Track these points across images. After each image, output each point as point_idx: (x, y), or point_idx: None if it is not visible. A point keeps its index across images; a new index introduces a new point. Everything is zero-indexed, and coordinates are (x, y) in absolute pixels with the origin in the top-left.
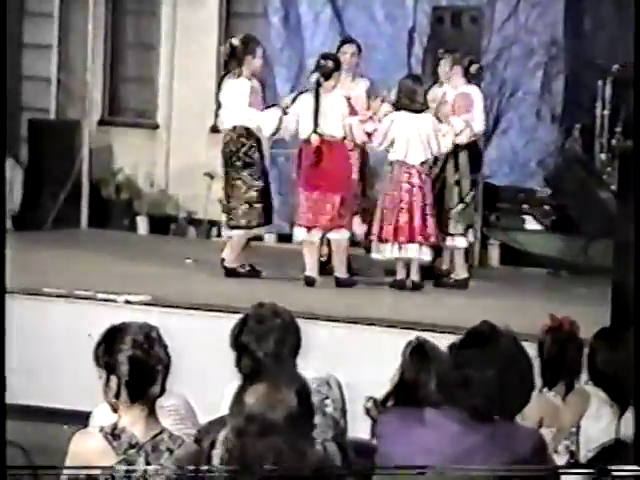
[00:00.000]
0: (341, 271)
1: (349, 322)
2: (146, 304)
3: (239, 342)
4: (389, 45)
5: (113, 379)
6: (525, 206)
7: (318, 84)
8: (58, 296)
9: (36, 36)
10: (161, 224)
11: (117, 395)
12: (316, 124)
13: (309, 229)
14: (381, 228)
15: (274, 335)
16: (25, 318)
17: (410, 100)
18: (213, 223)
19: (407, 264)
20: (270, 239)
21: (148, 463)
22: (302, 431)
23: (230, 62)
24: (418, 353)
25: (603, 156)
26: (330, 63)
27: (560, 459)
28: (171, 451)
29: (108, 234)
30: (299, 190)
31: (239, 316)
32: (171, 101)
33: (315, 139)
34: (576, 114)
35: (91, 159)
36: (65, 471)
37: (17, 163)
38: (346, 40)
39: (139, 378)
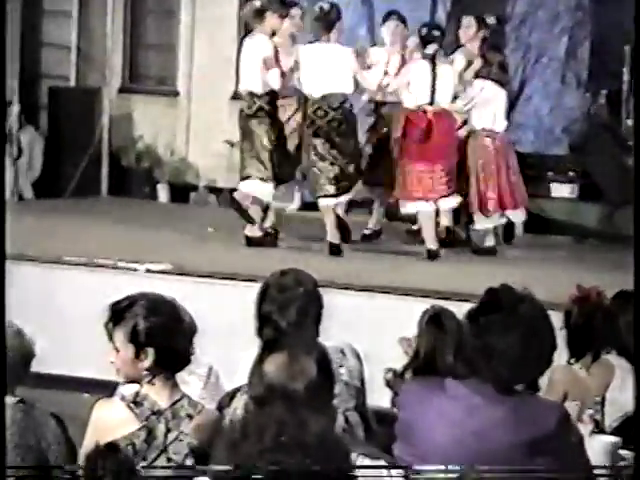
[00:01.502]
0: (433, 242)
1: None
2: (167, 272)
3: (261, 311)
4: (412, 10)
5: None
6: (550, 173)
7: (434, 55)
8: (79, 264)
9: (56, 3)
10: (181, 192)
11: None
12: (433, 96)
13: (423, 200)
14: (482, 196)
15: (296, 304)
16: (46, 286)
17: (501, 70)
18: (234, 191)
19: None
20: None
21: (168, 429)
22: (322, 400)
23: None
24: (434, 322)
25: (630, 122)
26: (439, 33)
27: (584, 428)
28: (191, 417)
29: (128, 202)
30: (404, 162)
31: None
32: (191, 68)
33: (431, 110)
34: (602, 80)
35: (111, 127)
36: (87, 437)
37: (37, 131)
38: (388, 13)
39: (162, 347)
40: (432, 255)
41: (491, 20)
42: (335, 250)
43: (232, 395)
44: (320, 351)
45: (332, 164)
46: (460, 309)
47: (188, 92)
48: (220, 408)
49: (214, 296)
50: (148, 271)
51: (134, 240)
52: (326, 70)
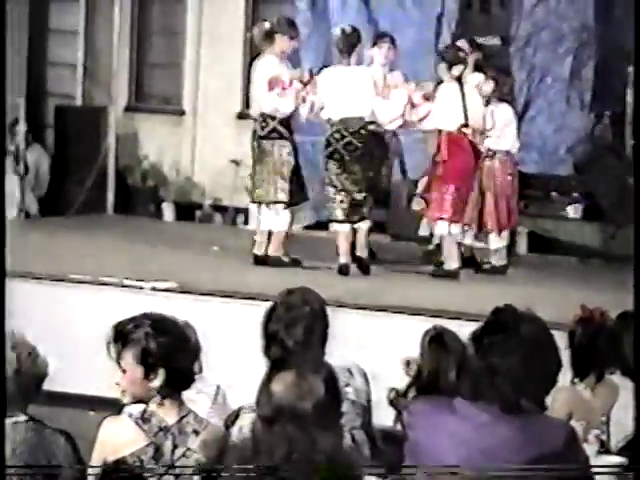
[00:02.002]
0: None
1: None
2: (172, 291)
3: (268, 329)
4: (417, 31)
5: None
6: (554, 193)
7: (460, 77)
8: (84, 282)
9: (62, 22)
10: (187, 211)
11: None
12: (466, 117)
13: (455, 222)
14: (499, 215)
15: (303, 323)
16: (51, 304)
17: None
18: (239, 210)
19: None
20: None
21: (175, 445)
22: (329, 419)
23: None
24: (437, 342)
25: (633, 142)
26: (463, 54)
27: (590, 448)
28: (197, 432)
29: (134, 220)
30: (439, 184)
31: (265, 304)
32: (197, 87)
33: (468, 132)
34: (606, 101)
35: (117, 146)
36: (95, 455)
37: (44, 149)
38: (381, 35)
39: (171, 367)
40: (452, 275)
41: (495, 41)
42: (344, 270)
43: (237, 414)
44: (327, 370)
45: (342, 190)
46: (464, 329)
47: (194, 111)
48: (226, 427)
49: (219, 314)
50: (153, 289)
51: (139, 258)
52: (346, 93)
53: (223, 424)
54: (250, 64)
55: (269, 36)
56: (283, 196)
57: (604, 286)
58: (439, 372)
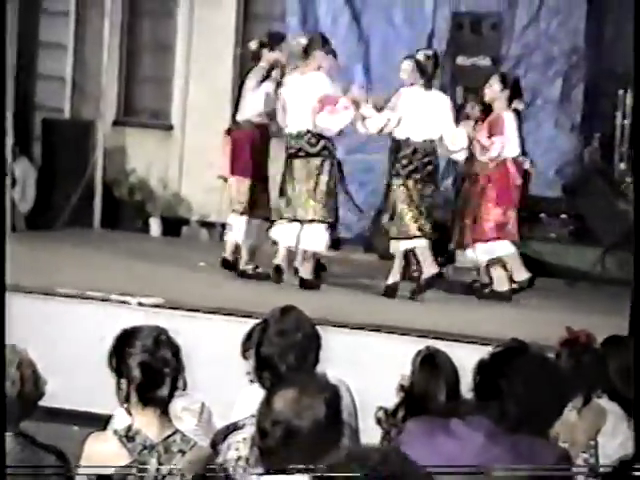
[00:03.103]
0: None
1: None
2: (158, 306)
3: (260, 353)
4: (408, 49)
5: (123, 382)
6: (543, 215)
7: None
8: (71, 296)
9: (52, 35)
10: (174, 226)
11: (127, 398)
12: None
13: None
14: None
15: (296, 350)
16: (37, 318)
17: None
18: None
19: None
20: None
21: (160, 464)
22: (329, 440)
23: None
24: (428, 363)
25: (622, 166)
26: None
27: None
28: (183, 452)
29: (120, 235)
30: (487, 207)
31: (251, 320)
32: (186, 102)
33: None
34: (596, 123)
35: (105, 160)
36: (80, 471)
37: (30, 162)
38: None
39: (149, 382)
40: (506, 297)
41: (486, 61)
42: (390, 292)
43: (226, 432)
44: (331, 391)
45: (415, 208)
46: (455, 349)
47: (182, 126)
48: (214, 445)
49: (205, 330)
50: (140, 304)
51: (126, 273)
52: (425, 116)
53: (210, 442)
54: (241, 80)
55: (306, 52)
56: (326, 215)
57: (591, 309)
58: (429, 393)
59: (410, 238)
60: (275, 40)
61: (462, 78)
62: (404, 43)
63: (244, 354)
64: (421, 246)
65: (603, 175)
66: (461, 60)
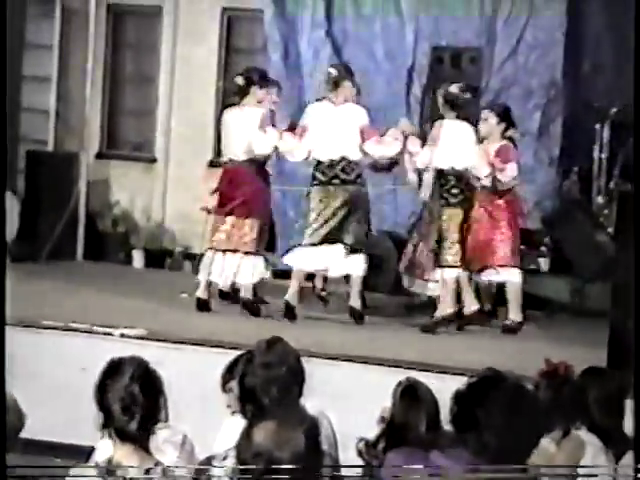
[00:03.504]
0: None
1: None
2: (141, 338)
3: (244, 384)
4: (388, 83)
5: (100, 416)
6: (522, 247)
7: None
8: (53, 328)
9: (35, 68)
10: (157, 258)
11: (106, 431)
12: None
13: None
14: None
15: (279, 383)
16: (19, 350)
17: None
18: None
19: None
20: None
21: None
22: (310, 471)
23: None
24: (409, 394)
25: (600, 199)
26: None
27: None
28: None
29: (104, 267)
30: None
31: (235, 352)
32: (169, 135)
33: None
34: (574, 156)
35: (88, 192)
36: None
37: (14, 194)
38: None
39: (119, 416)
40: (513, 329)
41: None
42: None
43: (208, 463)
44: (311, 422)
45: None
46: (433, 380)
47: (165, 158)
48: (196, 476)
49: (187, 362)
50: (122, 336)
51: (109, 305)
52: (461, 146)
53: (193, 473)
54: (221, 113)
55: (335, 84)
56: (363, 242)
57: (570, 340)
58: (410, 424)
59: (458, 267)
60: (262, 77)
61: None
62: (385, 76)
63: (224, 387)
64: (465, 276)
65: (582, 208)
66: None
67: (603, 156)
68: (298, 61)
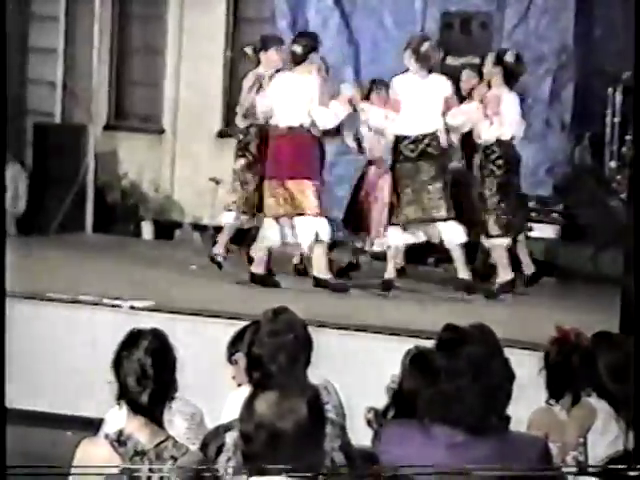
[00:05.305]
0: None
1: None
2: (150, 310)
3: (251, 353)
4: (397, 50)
5: (116, 386)
6: (534, 214)
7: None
8: (63, 301)
9: (42, 39)
10: (166, 230)
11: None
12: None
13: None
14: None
15: (287, 350)
16: (29, 323)
17: None
18: (218, 229)
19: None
20: None
21: (152, 471)
22: (312, 441)
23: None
24: (417, 362)
25: (613, 164)
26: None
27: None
28: (175, 459)
29: (113, 239)
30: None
31: (244, 323)
32: (177, 106)
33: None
34: (586, 122)
35: (96, 164)
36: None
37: (22, 167)
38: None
39: (131, 388)
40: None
41: (476, 61)
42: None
43: (216, 434)
44: (312, 392)
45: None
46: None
47: (173, 129)
48: (204, 446)
49: (197, 333)
50: (132, 308)
51: (118, 277)
52: (510, 116)
53: (200, 443)
54: (230, 83)
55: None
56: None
57: (582, 307)
58: (418, 394)
59: (504, 237)
60: (318, 43)
61: (452, 78)
62: (394, 44)
63: (229, 358)
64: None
65: (594, 174)
66: (451, 60)
67: (615, 121)
68: (306, 29)
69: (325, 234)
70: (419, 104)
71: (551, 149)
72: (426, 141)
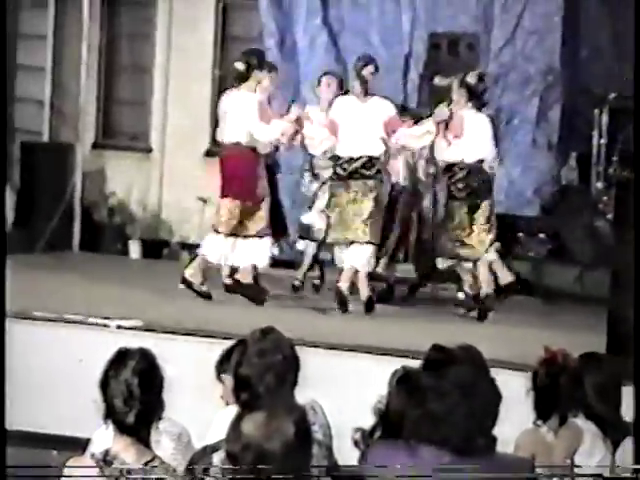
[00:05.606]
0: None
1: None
2: (137, 329)
3: (238, 373)
4: (385, 70)
5: (103, 406)
6: (520, 234)
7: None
8: (49, 320)
9: (30, 58)
10: (154, 248)
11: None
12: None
13: None
14: None
15: (275, 371)
16: (15, 342)
17: None
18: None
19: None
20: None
21: None
22: (299, 462)
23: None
24: (404, 383)
25: (599, 185)
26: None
27: None
28: (162, 479)
29: (100, 258)
30: None
31: (231, 342)
32: (165, 125)
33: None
34: (572, 142)
35: (84, 182)
36: None
37: (9, 185)
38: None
39: (117, 408)
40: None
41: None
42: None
43: (203, 454)
44: (299, 413)
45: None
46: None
47: (161, 148)
48: (191, 464)
49: (184, 352)
50: (119, 327)
51: (105, 296)
52: (477, 138)
53: (187, 464)
54: (218, 97)
55: (361, 77)
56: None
57: (569, 328)
58: (405, 414)
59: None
60: (261, 59)
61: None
62: (381, 64)
63: (218, 377)
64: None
65: (580, 194)
66: (438, 80)
67: (602, 142)
68: (294, 49)
69: (263, 258)
70: (356, 126)
71: (538, 169)
72: (360, 162)
